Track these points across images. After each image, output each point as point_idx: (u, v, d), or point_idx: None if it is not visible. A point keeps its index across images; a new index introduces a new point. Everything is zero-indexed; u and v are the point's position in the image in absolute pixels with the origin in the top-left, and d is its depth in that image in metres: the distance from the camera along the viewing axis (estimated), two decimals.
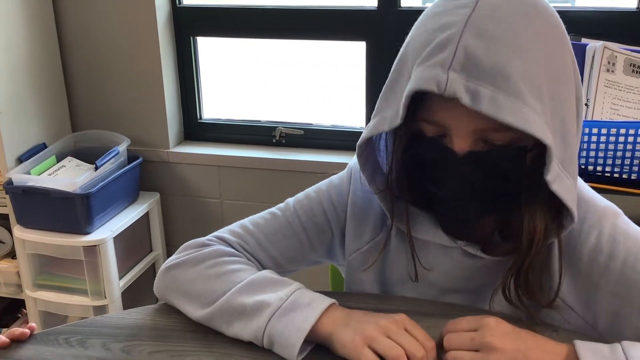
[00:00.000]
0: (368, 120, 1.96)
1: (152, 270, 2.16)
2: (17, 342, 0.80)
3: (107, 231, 1.88)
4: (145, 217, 2.08)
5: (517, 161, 0.73)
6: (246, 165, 2.04)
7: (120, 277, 1.95)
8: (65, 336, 0.81)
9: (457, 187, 0.74)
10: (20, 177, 1.83)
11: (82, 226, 1.84)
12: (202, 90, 2.16)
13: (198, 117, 2.16)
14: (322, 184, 0.93)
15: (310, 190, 0.93)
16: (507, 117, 0.66)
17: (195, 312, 0.81)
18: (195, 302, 0.81)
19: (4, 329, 2.12)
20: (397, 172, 0.80)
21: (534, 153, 0.73)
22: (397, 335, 0.72)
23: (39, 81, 1.96)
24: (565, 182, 0.71)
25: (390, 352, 0.71)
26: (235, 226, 0.91)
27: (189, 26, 2.04)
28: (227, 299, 0.79)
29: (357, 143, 0.79)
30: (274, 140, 2.08)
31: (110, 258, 1.87)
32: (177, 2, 2.02)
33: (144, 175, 2.09)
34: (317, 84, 2.15)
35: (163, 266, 0.87)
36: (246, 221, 0.91)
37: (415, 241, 0.84)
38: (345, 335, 0.73)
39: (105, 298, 1.90)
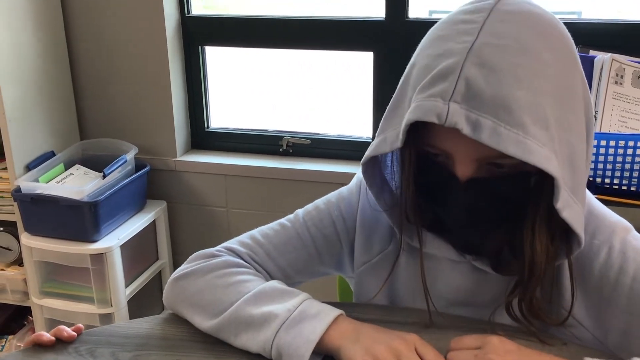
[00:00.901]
0: (375, 130, 1.96)
1: (158, 278, 2.16)
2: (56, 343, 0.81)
3: (114, 239, 1.88)
4: (152, 225, 2.08)
5: (521, 186, 0.73)
6: (253, 174, 2.05)
7: (127, 285, 1.95)
8: (75, 345, 0.81)
9: (460, 212, 0.74)
10: (29, 184, 1.84)
11: (89, 234, 1.84)
12: (210, 99, 2.17)
13: (205, 126, 2.17)
14: (332, 195, 0.93)
15: (319, 201, 0.93)
16: (509, 147, 0.66)
17: (203, 322, 0.81)
18: (203, 312, 0.82)
19: (10, 336, 2.12)
20: (405, 194, 0.80)
21: (537, 177, 0.73)
22: (407, 359, 0.72)
23: (47, 89, 1.97)
24: (575, 208, 0.71)
25: None
26: (244, 237, 0.91)
27: (198, 36, 2.05)
28: (235, 310, 0.79)
29: (361, 161, 0.79)
30: (281, 150, 2.09)
31: (117, 266, 1.87)
32: (186, 12, 2.04)
33: (151, 183, 2.10)
34: (325, 93, 2.16)
35: (172, 276, 0.87)
36: (255, 232, 0.92)
37: (424, 255, 0.84)
38: (355, 353, 0.73)
39: (112, 306, 1.90)
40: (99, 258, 1.86)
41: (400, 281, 0.89)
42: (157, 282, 2.16)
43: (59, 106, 2.03)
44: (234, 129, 2.17)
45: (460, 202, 0.73)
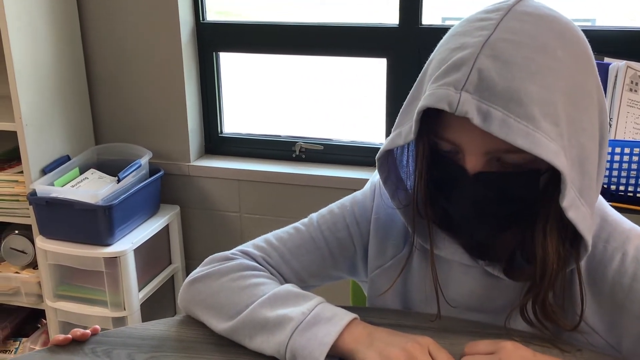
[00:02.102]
0: (388, 136, 1.97)
1: (170, 282, 2.17)
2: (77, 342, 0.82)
3: (128, 243, 1.89)
4: (165, 229, 2.10)
5: (530, 184, 0.73)
6: (266, 179, 2.06)
7: (140, 289, 1.96)
8: (91, 346, 0.82)
9: (468, 207, 0.75)
10: (44, 188, 1.86)
11: (103, 238, 1.86)
12: (224, 105, 2.18)
13: (219, 131, 2.18)
14: (346, 199, 0.94)
15: (333, 205, 0.94)
16: (518, 139, 0.67)
17: (218, 325, 0.82)
18: (218, 315, 0.82)
19: (24, 339, 2.14)
20: (419, 190, 0.80)
21: (547, 177, 0.73)
22: None
23: (63, 94, 2.00)
24: (582, 210, 0.71)
25: None
26: (259, 240, 0.92)
27: (212, 42, 2.07)
28: (250, 313, 0.80)
29: (376, 156, 0.80)
30: (293, 155, 2.10)
31: (130, 270, 1.89)
32: (201, 18, 2.06)
33: (164, 188, 2.11)
34: (338, 99, 2.17)
35: (187, 279, 0.88)
36: (270, 236, 0.92)
37: (437, 259, 0.84)
38: (369, 357, 0.73)
39: (125, 310, 1.91)
40: (113, 262, 1.87)
41: (414, 286, 0.89)
42: (169, 286, 2.17)
43: (75, 111, 2.06)
44: (247, 135, 2.18)
45: (468, 195, 0.74)
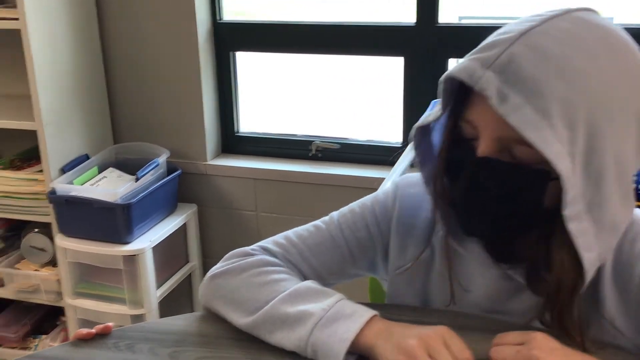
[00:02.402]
0: (405, 135, 1.96)
1: (187, 281, 2.19)
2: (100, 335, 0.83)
3: (146, 241, 1.91)
4: (183, 228, 2.11)
5: (535, 185, 0.72)
6: (282, 178, 2.06)
7: (158, 287, 1.97)
8: (114, 340, 0.83)
9: (471, 191, 0.75)
10: (64, 187, 1.88)
11: (122, 236, 1.88)
12: (240, 104, 2.19)
13: (235, 130, 2.19)
14: (367, 199, 0.94)
15: (354, 204, 0.94)
16: (527, 130, 0.67)
17: (239, 319, 0.82)
18: (239, 310, 0.83)
19: (43, 336, 2.16)
20: (439, 165, 0.81)
21: (558, 187, 0.70)
22: (436, 353, 0.72)
23: (83, 94, 2.02)
24: (584, 224, 0.69)
25: None
26: (279, 237, 0.92)
27: (229, 41, 2.08)
28: (271, 308, 0.80)
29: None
30: (310, 154, 2.10)
31: (148, 268, 1.90)
32: (218, 18, 2.07)
33: (182, 186, 2.13)
34: (354, 98, 2.17)
35: (208, 274, 0.88)
36: (290, 233, 0.93)
37: (460, 258, 0.84)
38: (387, 350, 0.73)
39: (143, 307, 1.93)
40: (131, 260, 1.89)
41: (435, 287, 0.89)
42: (186, 284, 2.19)
43: (93, 110, 2.08)
44: (264, 134, 2.19)
45: (470, 177, 0.74)
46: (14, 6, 1.81)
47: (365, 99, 2.16)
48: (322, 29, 1.99)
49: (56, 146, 1.93)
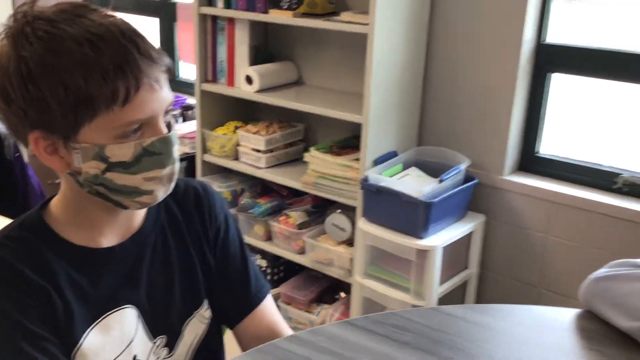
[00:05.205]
0: None
1: (462, 286, 2.27)
2: None
3: (439, 240, 2.03)
4: (469, 235, 2.19)
5: None
6: (580, 206, 2.03)
7: (440, 284, 2.09)
8: None
9: None
10: (376, 176, 2.08)
11: (418, 230, 2.02)
12: (545, 125, 2.20)
13: (536, 150, 2.21)
14: None
15: None
16: None
17: (623, 322, 0.87)
18: (625, 313, 0.88)
19: (326, 305, 2.42)
20: None
21: None
22: None
23: (402, 97, 2.20)
24: None
25: None
26: None
27: (549, 63, 2.10)
28: None
29: None
30: (614, 187, 2.03)
31: (437, 264, 2.02)
32: (542, 39, 2.10)
33: (474, 196, 2.21)
34: None
35: (593, 276, 0.94)
36: None
37: None
38: None
39: (424, 299, 2.05)
40: (423, 254, 2.02)
41: None
42: (461, 289, 2.27)
43: (407, 112, 2.26)
44: (565, 158, 2.17)
45: None
46: (365, 12, 2.05)
47: None
48: None
49: (373, 139, 2.14)
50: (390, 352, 0.86)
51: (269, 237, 2.47)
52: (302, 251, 2.38)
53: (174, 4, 3.08)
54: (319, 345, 0.89)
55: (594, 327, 0.90)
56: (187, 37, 2.91)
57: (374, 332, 0.92)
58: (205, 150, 2.58)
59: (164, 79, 0.88)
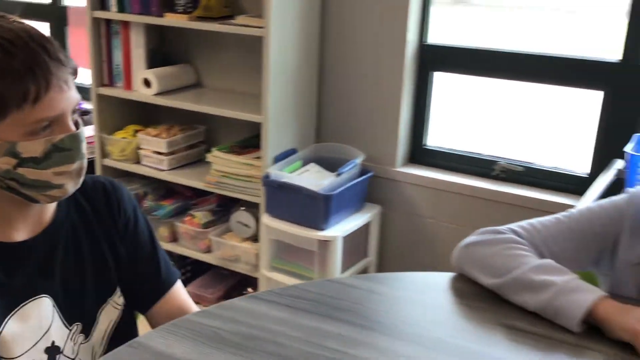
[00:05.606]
0: (595, 166, 2.04)
1: (363, 273, 2.40)
2: None
3: (339, 231, 2.15)
4: (367, 225, 2.33)
5: None
6: (465, 192, 2.22)
7: (341, 273, 2.21)
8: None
9: None
10: (277, 173, 2.17)
11: (319, 222, 2.13)
12: (431, 119, 2.38)
13: (424, 143, 2.39)
14: (604, 201, 1.09)
15: (592, 204, 1.09)
16: None
17: (488, 280, 1.02)
18: (489, 273, 1.03)
19: None
20: None
21: None
22: None
23: (298, 96, 2.31)
24: None
25: None
26: (524, 223, 1.10)
27: (431, 62, 2.29)
28: (518, 275, 0.99)
29: None
30: (493, 174, 2.24)
31: (338, 254, 2.14)
32: (424, 40, 2.28)
33: (370, 188, 2.35)
34: (544, 125, 2.28)
35: (463, 243, 1.09)
36: (534, 221, 1.10)
37: None
38: (626, 321, 0.88)
39: None
40: (325, 244, 2.14)
41: None
42: None
43: (304, 111, 2.37)
44: (450, 149, 2.36)
45: None
46: (259, 16, 2.14)
47: (554, 128, 2.27)
48: (522, 57, 2.13)
49: (273, 138, 2.23)
50: (291, 318, 0.96)
51: (174, 238, 2.49)
52: (208, 250, 2.43)
53: (65, 8, 3.02)
54: (227, 317, 0.97)
55: (465, 286, 1.04)
56: (79, 41, 2.87)
57: (275, 302, 1.01)
58: (104, 154, 2.56)
59: (71, 80, 0.94)
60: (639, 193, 1.06)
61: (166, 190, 2.62)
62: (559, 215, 1.10)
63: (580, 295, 0.93)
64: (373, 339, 0.90)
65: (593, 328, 0.92)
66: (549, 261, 1.00)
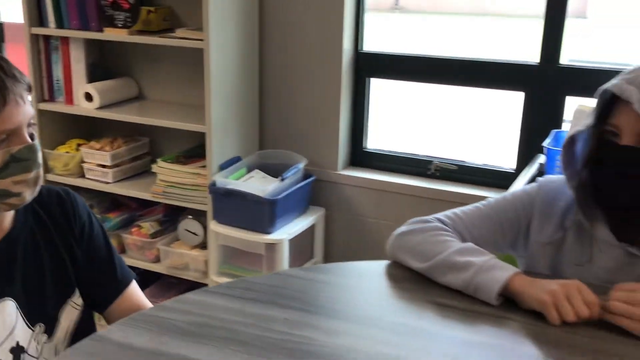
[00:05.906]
0: (519, 162, 2.19)
1: None
2: None
3: (285, 234, 2.23)
4: (312, 228, 2.42)
5: None
6: (404, 191, 2.34)
7: None
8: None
9: (613, 172, 1.02)
10: (223, 180, 2.23)
11: (265, 226, 2.20)
12: (369, 124, 2.50)
13: (364, 146, 2.50)
14: (517, 190, 1.22)
15: (507, 193, 1.22)
16: None
17: (418, 264, 1.12)
18: (419, 258, 1.13)
19: None
20: (581, 168, 1.08)
21: None
22: (570, 296, 0.98)
23: (240, 106, 2.38)
24: None
25: (567, 316, 0.97)
26: (449, 212, 1.22)
27: (367, 69, 2.40)
28: (444, 258, 1.09)
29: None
30: (428, 173, 2.37)
31: (285, 256, 2.22)
32: (359, 48, 2.40)
33: (314, 191, 2.44)
34: (473, 125, 2.43)
35: (396, 233, 1.19)
36: (457, 210, 1.22)
37: (587, 237, 1.09)
38: (537, 292, 1.00)
39: None
40: (272, 247, 2.21)
41: (564, 260, 1.14)
42: None
43: (247, 119, 2.44)
44: (388, 151, 2.48)
45: (615, 160, 1.01)
46: (199, 29, 2.20)
47: (482, 127, 2.42)
48: (451, 63, 2.28)
49: (218, 147, 2.29)
50: (241, 307, 1.03)
51: (122, 250, 2.51)
52: (156, 259, 2.46)
53: (1, 25, 3.00)
54: (182, 309, 1.04)
55: (398, 271, 1.15)
56: (17, 57, 2.85)
57: (227, 295, 1.08)
58: (47, 169, 2.56)
59: (26, 95, 1.00)
60: (548, 181, 1.19)
61: (111, 202, 2.64)
62: (479, 204, 1.22)
63: (497, 272, 1.03)
64: (316, 321, 0.99)
65: (509, 301, 1.04)
66: (470, 244, 1.11)
